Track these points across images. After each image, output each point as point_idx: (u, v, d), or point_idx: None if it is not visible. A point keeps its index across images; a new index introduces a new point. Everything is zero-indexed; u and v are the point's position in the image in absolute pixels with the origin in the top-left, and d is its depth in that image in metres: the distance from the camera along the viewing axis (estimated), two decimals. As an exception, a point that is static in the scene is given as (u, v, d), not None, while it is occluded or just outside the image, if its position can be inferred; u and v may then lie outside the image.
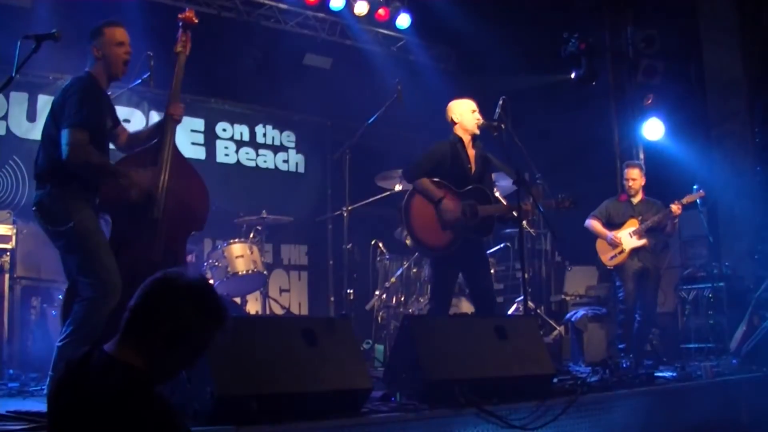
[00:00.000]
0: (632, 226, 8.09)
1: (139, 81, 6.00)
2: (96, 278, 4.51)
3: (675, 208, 7.85)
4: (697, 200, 8.17)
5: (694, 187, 8.13)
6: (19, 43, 4.08)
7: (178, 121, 5.29)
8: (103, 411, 2.35)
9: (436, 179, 6.39)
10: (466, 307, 8.21)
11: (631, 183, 8.27)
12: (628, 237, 8.05)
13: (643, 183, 8.30)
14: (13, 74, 3.98)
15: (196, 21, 5.43)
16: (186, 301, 2.55)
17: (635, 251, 8.02)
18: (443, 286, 6.55)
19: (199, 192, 5.29)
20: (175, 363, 2.59)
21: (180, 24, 5.42)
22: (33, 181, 4.85)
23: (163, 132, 5.18)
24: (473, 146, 6.58)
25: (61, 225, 4.55)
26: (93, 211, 4.76)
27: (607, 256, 8.14)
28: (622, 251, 8.04)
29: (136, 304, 2.55)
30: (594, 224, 8.28)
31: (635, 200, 8.27)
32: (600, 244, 8.24)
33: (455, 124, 6.56)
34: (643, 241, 7.99)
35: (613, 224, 8.22)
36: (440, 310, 6.43)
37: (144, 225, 4.94)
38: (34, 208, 4.67)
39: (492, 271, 7.73)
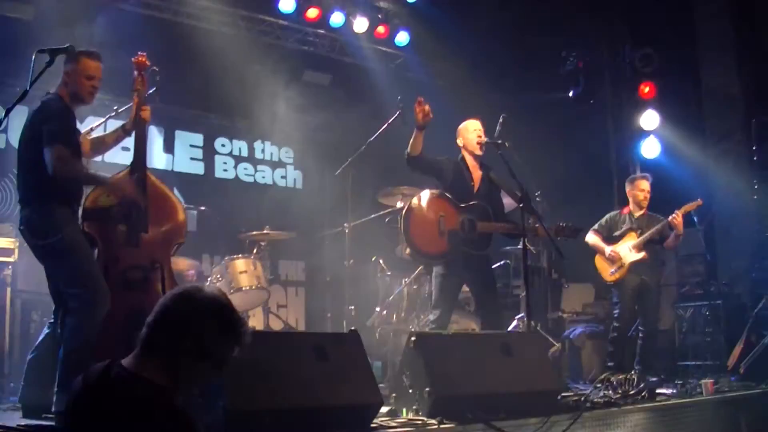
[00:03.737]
0: (631, 239, 7.81)
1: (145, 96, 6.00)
2: (84, 288, 4.60)
3: (673, 218, 7.57)
4: (694, 217, 8.17)
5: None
6: (33, 56, 4.09)
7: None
8: (128, 427, 2.36)
9: (438, 191, 6.45)
10: (466, 323, 8.20)
11: (646, 194, 7.96)
12: (627, 251, 7.78)
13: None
14: (28, 88, 4.02)
15: (149, 64, 5.54)
16: (206, 315, 2.55)
17: (634, 266, 7.73)
18: (445, 296, 6.54)
19: (171, 206, 5.41)
20: (197, 377, 2.60)
21: (135, 67, 5.51)
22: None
23: (136, 154, 5.31)
24: (479, 168, 6.65)
25: (51, 237, 4.62)
26: (78, 223, 4.88)
27: (607, 272, 7.87)
28: (621, 266, 7.76)
29: (156, 320, 2.55)
30: (594, 239, 8.01)
31: (638, 213, 7.99)
32: (599, 260, 7.97)
33: (461, 147, 6.68)
34: (642, 255, 7.70)
35: (613, 238, 7.95)
36: (444, 319, 6.44)
37: (128, 236, 5.06)
38: (21, 228, 4.75)
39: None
